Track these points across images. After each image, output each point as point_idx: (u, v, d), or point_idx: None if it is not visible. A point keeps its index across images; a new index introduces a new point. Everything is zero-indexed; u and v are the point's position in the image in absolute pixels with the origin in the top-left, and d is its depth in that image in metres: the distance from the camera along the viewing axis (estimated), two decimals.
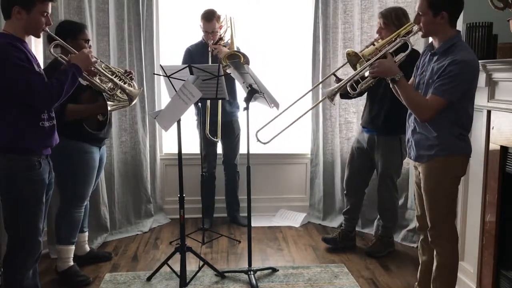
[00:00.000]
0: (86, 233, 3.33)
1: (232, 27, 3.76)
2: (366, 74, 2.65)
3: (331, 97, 2.67)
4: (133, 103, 2.99)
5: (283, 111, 3.45)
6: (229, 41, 3.78)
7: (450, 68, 2.18)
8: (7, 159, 2.26)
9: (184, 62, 3.83)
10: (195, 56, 3.80)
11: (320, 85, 3.98)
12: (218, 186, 4.14)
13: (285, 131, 3.54)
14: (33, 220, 2.35)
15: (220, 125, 3.84)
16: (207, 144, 3.94)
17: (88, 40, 2.96)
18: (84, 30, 2.96)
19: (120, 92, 2.88)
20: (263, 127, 3.39)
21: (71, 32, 2.85)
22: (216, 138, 3.87)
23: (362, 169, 3.54)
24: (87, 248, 3.34)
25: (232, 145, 4.03)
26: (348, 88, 2.65)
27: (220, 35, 3.84)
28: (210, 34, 3.76)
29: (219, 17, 3.78)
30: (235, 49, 3.72)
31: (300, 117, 3.51)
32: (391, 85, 2.42)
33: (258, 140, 3.29)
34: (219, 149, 4.09)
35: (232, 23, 3.78)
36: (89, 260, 3.31)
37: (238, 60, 3.43)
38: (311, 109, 3.84)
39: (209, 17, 3.73)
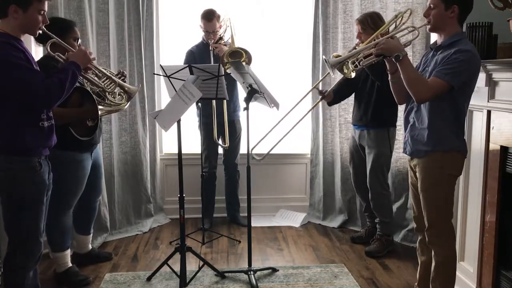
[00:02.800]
0: (91, 235, 3.33)
1: (232, 27, 3.77)
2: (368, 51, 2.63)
3: (334, 66, 2.65)
4: (126, 105, 2.94)
5: (276, 124, 3.58)
6: (229, 41, 3.79)
7: (456, 55, 2.20)
8: (7, 160, 2.24)
9: (186, 63, 3.82)
10: (197, 57, 3.81)
11: (324, 57, 3.96)
12: (218, 186, 4.14)
13: (284, 129, 3.57)
14: (34, 221, 2.34)
15: (227, 130, 3.83)
16: (209, 144, 3.94)
17: (78, 38, 2.84)
18: (73, 27, 2.84)
19: (112, 95, 2.82)
20: (257, 144, 3.52)
21: (59, 31, 2.66)
22: (225, 144, 3.87)
23: (363, 165, 3.60)
24: (89, 247, 3.34)
25: (233, 144, 4.03)
26: (350, 65, 2.65)
27: (220, 34, 3.84)
28: (211, 33, 3.76)
29: (219, 16, 3.79)
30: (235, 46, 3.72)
31: (297, 123, 3.60)
32: (390, 70, 2.44)
33: (253, 158, 3.42)
34: (220, 149, 4.09)
35: (231, 23, 3.79)
36: (90, 259, 3.31)
37: (238, 60, 3.43)
38: (312, 108, 3.87)
39: (209, 16, 3.74)
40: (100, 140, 3.26)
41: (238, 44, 3.77)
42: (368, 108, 3.43)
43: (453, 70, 2.19)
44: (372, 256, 3.46)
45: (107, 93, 2.82)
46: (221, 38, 3.85)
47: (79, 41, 2.89)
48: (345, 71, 2.83)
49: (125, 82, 3.03)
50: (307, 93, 3.69)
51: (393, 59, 2.30)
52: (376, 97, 3.37)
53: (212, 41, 3.76)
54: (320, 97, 3.54)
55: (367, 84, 3.43)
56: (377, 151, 3.44)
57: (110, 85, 2.84)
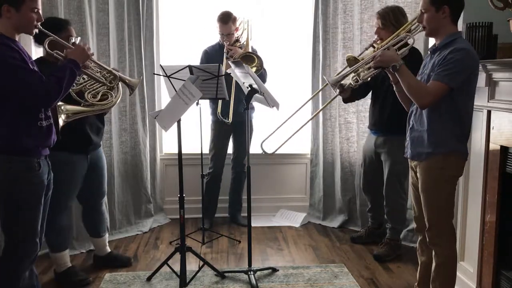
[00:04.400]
0: (105, 237, 3.30)
1: (249, 29, 3.77)
2: (366, 66, 2.66)
3: (334, 85, 2.68)
4: (116, 101, 2.88)
5: (287, 120, 3.56)
6: (245, 43, 3.79)
7: (451, 55, 2.21)
8: (6, 160, 2.24)
9: (201, 63, 3.85)
10: (212, 57, 3.79)
11: (325, 77, 3.98)
12: (221, 186, 4.14)
13: (286, 130, 3.57)
14: (32, 222, 2.34)
15: (232, 107, 3.78)
16: (217, 144, 3.93)
17: (70, 37, 2.76)
18: (66, 27, 2.81)
19: (91, 95, 2.75)
20: (267, 138, 3.48)
21: (51, 30, 2.63)
22: (227, 119, 3.80)
23: (374, 169, 3.56)
24: (107, 250, 3.32)
25: (244, 143, 4.01)
26: (351, 81, 2.67)
27: (237, 37, 3.84)
28: (226, 36, 3.76)
29: (235, 19, 3.79)
30: (250, 50, 3.72)
31: (305, 123, 3.59)
32: (393, 80, 2.46)
33: (264, 152, 3.42)
34: (230, 149, 4.09)
35: (248, 25, 3.78)
36: (108, 262, 3.28)
37: (238, 60, 3.43)
38: (311, 98, 3.88)
39: (225, 19, 3.74)
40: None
41: (254, 47, 3.78)
42: (383, 113, 3.32)
43: (450, 71, 2.20)
44: (381, 260, 3.40)
45: (86, 93, 2.76)
46: (237, 41, 3.84)
47: (78, 38, 2.86)
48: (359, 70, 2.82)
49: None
50: (321, 89, 3.66)
51: (391, 70, 2.34)
52: (391, 103, 3.19)
53: (228, 43, 3.76)
54: (338, 91, 3.28)
55: (383, 87, 3.27)
56: (393, 159, 3.35)
57: (111, 80, 2.80)
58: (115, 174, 3.86)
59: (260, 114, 4.10)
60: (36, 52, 3.38)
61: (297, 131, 3.59)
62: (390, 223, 3.50)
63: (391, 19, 3.13)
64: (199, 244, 3.69)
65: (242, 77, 3.00)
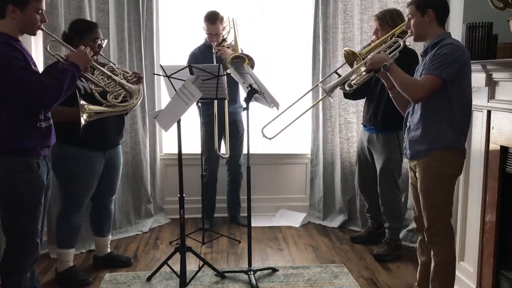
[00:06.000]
0: (107, 238, 3.31)
1: (235, 28, 3.76)
2: (362, 69, 2.71)
3: (329, 91, 2.73)
4: (137, 103, 2.94)
5: (287, 108, 3.50)
6: (233, 43, 3.77)
7: (439, 50, 2.28)
8: (5, 160, 2.24)
9: None
10: (200, 59, 3.77)
11: (321, 85, 3.99)
12: (219, 187, 4.13)
13: (286, 130, 3.57)
14: (32, 222, 2.33)
15: (228, 139, 3.82)
16: (209, 146, 3.93)
17: (97, 39, 2.86)
18: (93, 29, 2.89)
19: (113, 96, 2.80)
20: (268, 124, 3.44)
21: (78, 32, 2.82)
22: (226, 155, 3.86)
23: (369, 167, 3.57)
24: (107, 250, 3.32)
25: (236, 144, 4.01)
26: (346, 87, 2.71)
27: (223, 36, 3.83)
28: (214, 36, 3.75)
29: (222, 18, 3.77)
30: (240, 50, 3.71)
31: (302, 113, 3.59)
32: (387, 86, 2.52)
33: (264, 136, 3.39)
34: (223, 149, 4.08)
35: (234, 24, 3.77)
36: (108, 262, 3.28)
37: (238, 60, 3.43)
38: (313, 106, 3.90)
39: (213, 19, 3.72)
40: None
41: (240, 46, 3.76)
42: (377, 110, 3.36)
43: (440, 64, 2.25)
44: (381, 260, 3.40)
45: (108, 94, 2.81)
46: (224, 40, 3.83)
47: (105, 41, 2.94)
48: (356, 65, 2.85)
49: (141, 83, 3.04)
50: (327, 76, 3.67)
51: (382, 70, 2.39)
52: (386, 100, 3.23)
53: (215, 43, 3.75)
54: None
55: (377, 85, 3.34)
56: (386, 156, 3.37)
57: (111, 85, 2.82)
58: None
59: (258, 114, 4.10)
60: (36, 52, 3.39)
61: (296, 118, 3.53)
62: (387, 222, 3.51)
63: (388, 20, 3.23)
64: (199, 244, 3.69)
65: (242, 77, 3.00)
